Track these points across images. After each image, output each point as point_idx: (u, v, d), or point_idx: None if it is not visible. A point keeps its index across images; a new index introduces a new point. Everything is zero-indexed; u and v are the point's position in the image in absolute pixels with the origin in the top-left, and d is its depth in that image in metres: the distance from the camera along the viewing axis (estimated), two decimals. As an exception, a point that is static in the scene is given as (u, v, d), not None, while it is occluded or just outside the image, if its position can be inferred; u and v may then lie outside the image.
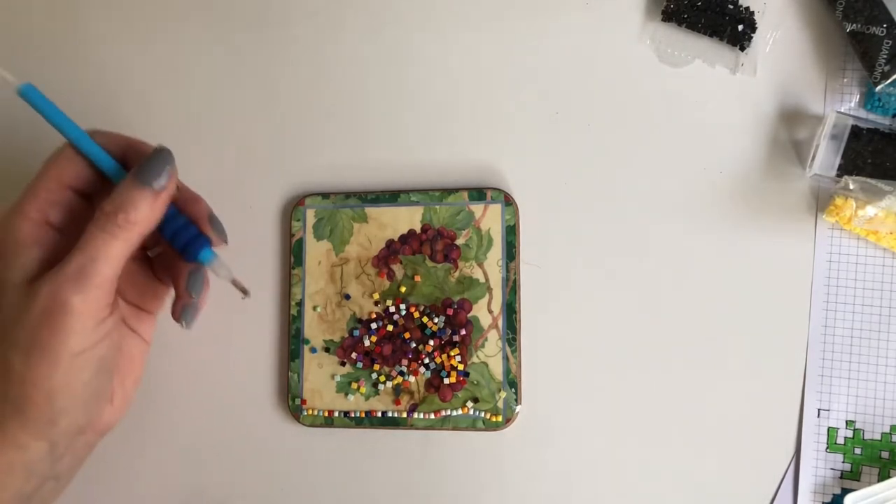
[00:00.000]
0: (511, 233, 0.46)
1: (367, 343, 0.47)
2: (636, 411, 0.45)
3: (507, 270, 0.46)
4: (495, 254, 0.46)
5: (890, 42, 0.41)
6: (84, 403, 0.36)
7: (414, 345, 0.46)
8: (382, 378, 0.47)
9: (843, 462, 0.43)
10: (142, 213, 0.35)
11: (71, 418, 0.36)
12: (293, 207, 0.48)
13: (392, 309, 0.47)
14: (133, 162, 0.37)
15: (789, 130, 0.45)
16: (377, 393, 0.47)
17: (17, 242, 0.35)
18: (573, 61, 0.46)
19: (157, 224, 0.37)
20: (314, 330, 0.47)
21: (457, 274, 0.46)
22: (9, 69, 0.37)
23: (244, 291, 0.39)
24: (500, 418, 0.45)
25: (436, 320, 0.46)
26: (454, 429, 0.46)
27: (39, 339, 0.34)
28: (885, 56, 0.41)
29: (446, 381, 0.46)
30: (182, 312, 0.39)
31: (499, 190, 0.46)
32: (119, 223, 0.34)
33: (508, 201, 0.46)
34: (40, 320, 0.33)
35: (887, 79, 0.41)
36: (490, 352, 0.46)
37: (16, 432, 0.35)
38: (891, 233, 0.42)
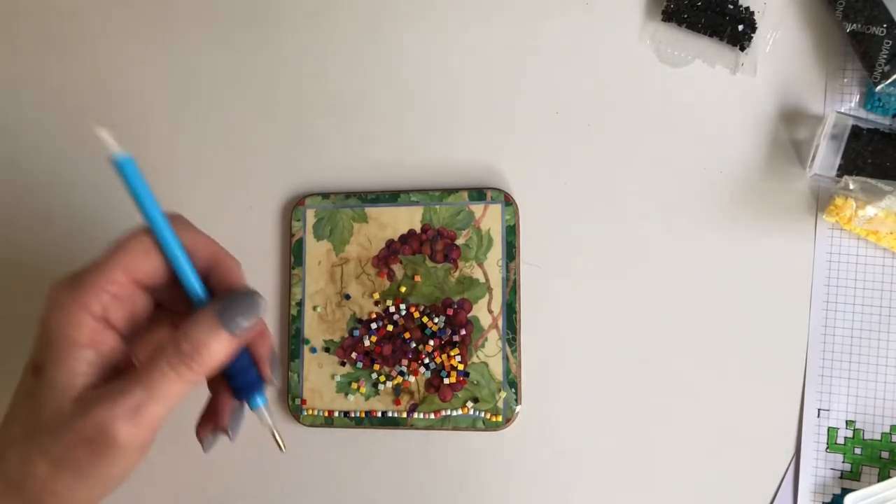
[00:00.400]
0: (511, 233, 0.46)
1: (367, 343, 0.47)
2: (636, 411, 0.45)
3: (507, 270, 0.46)
4: (495, 254, 0.46)
5: (890, 42, 0.41)
6: (98, 499, 0.34)
7: (414, 345, 0.46)
8: (382, 378, 0.46)
9: (843, 462, 0.43)
10: (215, 359, 0.31)
11: None
12: (293, 207, 0.48)
13: (392, 309, 0.47)
14: (215, 277, 0.33)
15: (789, 130, 0.44)
16: (377, 393, 0.47)
17: (71, 341, 0.31)
18: (573, 61, 0.46)
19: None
20: (314, 330, 0.47)
21: (457, 274, 0.46)
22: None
23: (280, 447, 0.37)
24: (500, 418, 0.45)
25: (436, 320, 0.46)
26: (454, 429, 0.46)
27: (75, 460, 0.31)
28: (885, 56, 0.41)
29: (446, 381, 0.46)
30: (210, 441, 0.36)
31: (499, 190, 0.46)
32: (190, 365, 0.31)
33: (508, 201, 0.46)
34: (81, 444, 0.30)
35: (887, 79, 0.41)
36: (490, 352, 0.46)
37: None
38: (891, 233, 0.42)
